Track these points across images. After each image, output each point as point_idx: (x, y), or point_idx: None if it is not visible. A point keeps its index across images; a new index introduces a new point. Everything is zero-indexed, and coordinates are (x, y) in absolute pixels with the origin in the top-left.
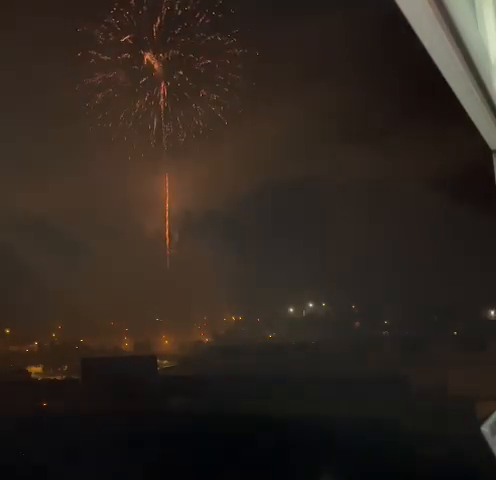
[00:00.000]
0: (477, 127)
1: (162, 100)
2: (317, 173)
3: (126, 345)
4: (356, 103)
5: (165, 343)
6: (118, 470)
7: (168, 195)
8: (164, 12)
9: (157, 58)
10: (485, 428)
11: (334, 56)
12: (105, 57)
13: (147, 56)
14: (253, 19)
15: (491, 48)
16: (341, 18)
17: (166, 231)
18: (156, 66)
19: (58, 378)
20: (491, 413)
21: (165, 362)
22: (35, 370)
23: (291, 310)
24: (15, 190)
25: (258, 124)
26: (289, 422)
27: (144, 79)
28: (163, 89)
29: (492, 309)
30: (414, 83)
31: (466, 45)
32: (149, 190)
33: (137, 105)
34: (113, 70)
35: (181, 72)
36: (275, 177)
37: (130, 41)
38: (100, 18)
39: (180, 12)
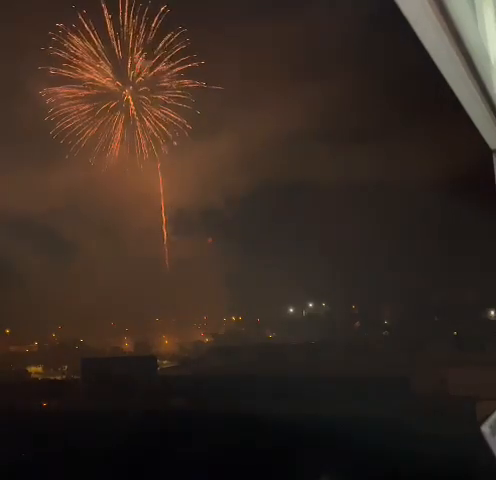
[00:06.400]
0: (477, 127)
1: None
2: (317, 173)
3: (126, 345)
4: (356, 103)
5: (165, 343)
6: (118, 469)
7: (165, 195)
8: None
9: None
10: (485, 428)
11: (334, 55)
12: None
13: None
14: (252, 17)
15: (491, 48)
16: (342, 17)
17: (165, 231)
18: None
19: (58, 378)
20: (491, 413)
21: (165, 362)
22: (35, 370)
23: (291, 310)
24: (11, 190)
25: (257, 124)
26: (289, 422)
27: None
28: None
29: (492, 309)
30: (414, 83)
31: (466, 45)
32: (147, 189)
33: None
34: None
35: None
36: (275, 177)
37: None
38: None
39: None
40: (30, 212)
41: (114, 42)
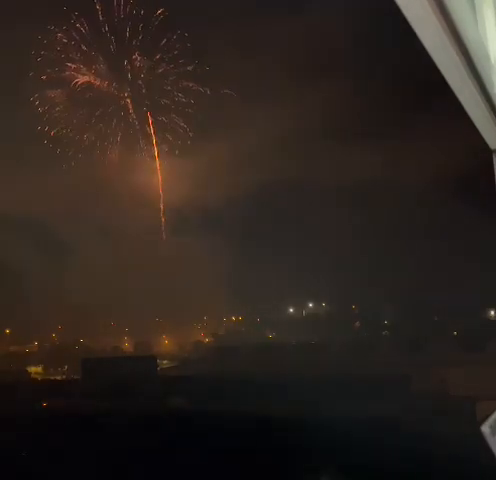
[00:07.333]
0: (477, 127)
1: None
2: (316, 173)
3: (126, 345)
4: (356, 102)
5: (165, 343)
6: (118, 470)
7: (165, 195)
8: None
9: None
10: (485, 428)
11: (334, 55)
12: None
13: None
14: (252, 17)
15: (491, 48)
16: (342, 17)
17: (165, 231)
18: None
19: (58, 378)
20: (491, 413)
21: (165, 362)
22: (35, 370)
23: (291, 310)
24: (12, 191)
25: (257, 123)
26: (289, 422)
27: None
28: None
29: (492, 309)
30: (414, 83)
31: (466, 45)
32: (147, 190)
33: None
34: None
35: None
36: (275, 177)
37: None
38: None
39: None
40: (30, 212)
41: (112, 45)
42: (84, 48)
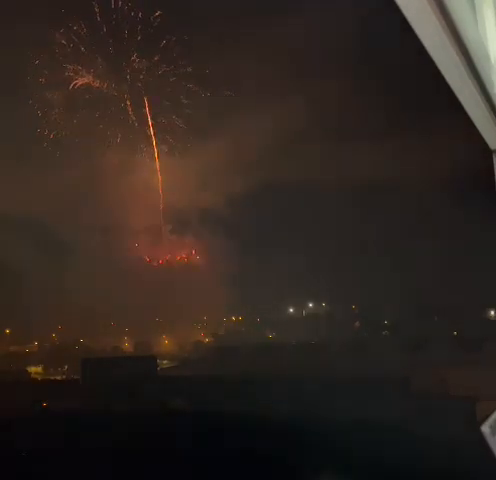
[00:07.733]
0: (477, 127)
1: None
2: (317, 172)
3: (126, 345)
4: (356, 102)
5: (165, 343)
6: (118, 469)
7: (165, 195)
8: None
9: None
10: (485, 428)
11: (335, 55)
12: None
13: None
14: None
15: (491, 48)
16: (341, 17)
17: (165, 231)
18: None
19: (58, 378)
20: (491, 413)
21: (165, 362)
22: (35, 370)
23: (291, 310)
24: (10, 190)
25: (257, 123)
26: (288, 423)
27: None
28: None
29: (492, 309)
30: (414, 83)
31: (466, 45)
32: (147, 191)
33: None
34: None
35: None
36: (275, 177)
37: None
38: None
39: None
40: (30, 212)
41: (110, 47)
42: (83, 49)
